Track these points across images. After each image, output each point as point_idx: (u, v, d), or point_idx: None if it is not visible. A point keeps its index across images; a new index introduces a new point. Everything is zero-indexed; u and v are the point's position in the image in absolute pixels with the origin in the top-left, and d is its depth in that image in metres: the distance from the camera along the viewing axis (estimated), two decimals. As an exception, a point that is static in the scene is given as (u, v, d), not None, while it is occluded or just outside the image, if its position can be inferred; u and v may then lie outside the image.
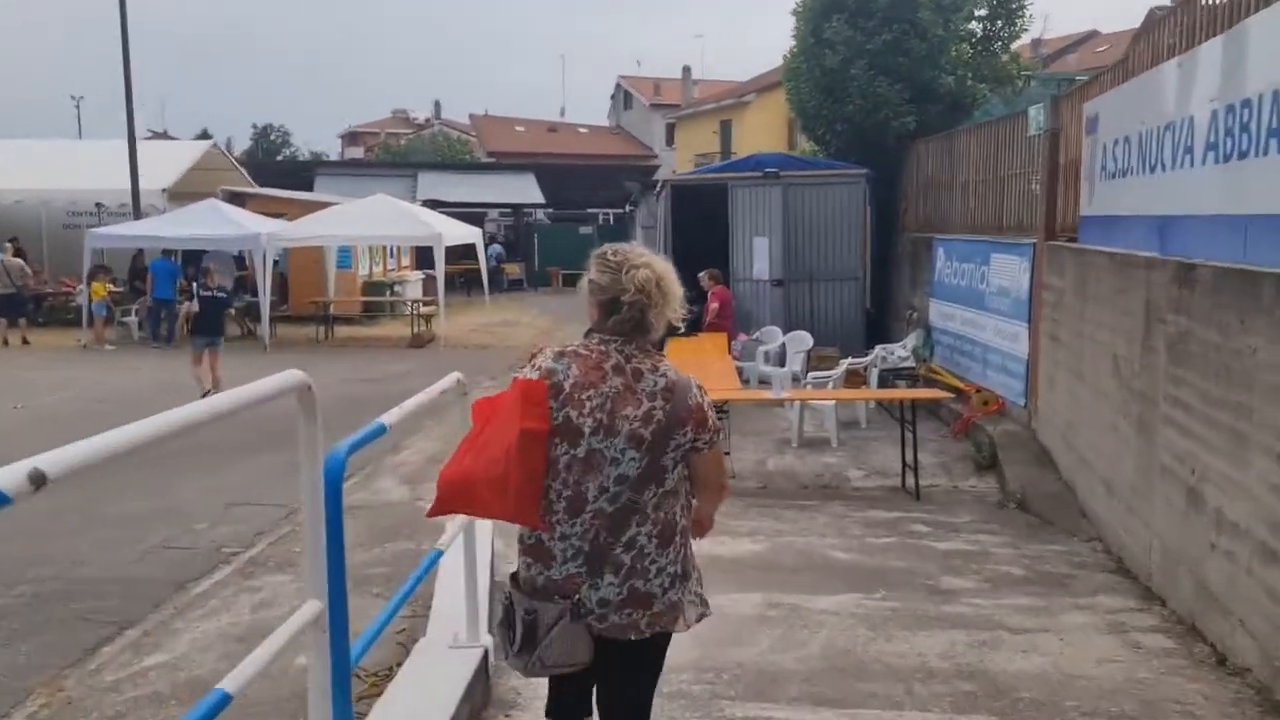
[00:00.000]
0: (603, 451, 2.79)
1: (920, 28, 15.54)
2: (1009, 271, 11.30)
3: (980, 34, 16.49)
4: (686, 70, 57.00)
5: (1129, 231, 7.15)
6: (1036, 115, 10.77)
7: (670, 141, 53.52)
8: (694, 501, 3.04)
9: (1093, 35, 43.32)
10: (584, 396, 2.80)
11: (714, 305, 13.97)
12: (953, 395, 10.40)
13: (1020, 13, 16.17)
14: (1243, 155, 5.12)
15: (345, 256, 23.16)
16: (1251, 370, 4.74)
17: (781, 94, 31.20)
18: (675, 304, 2.94)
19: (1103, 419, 7.48)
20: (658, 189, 18.54)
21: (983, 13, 16.29)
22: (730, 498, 9.54)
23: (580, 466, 2.81)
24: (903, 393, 10.59)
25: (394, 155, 49.23)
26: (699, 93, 54.50)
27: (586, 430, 2.79)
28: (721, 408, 10.29)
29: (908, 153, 16.22)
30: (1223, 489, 5.08)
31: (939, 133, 14.99)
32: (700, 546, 3.20)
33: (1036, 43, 28.81)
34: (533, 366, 2.89)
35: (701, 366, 11.42)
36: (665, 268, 2.95)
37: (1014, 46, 16.54)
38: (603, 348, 2.88)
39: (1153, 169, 6.69)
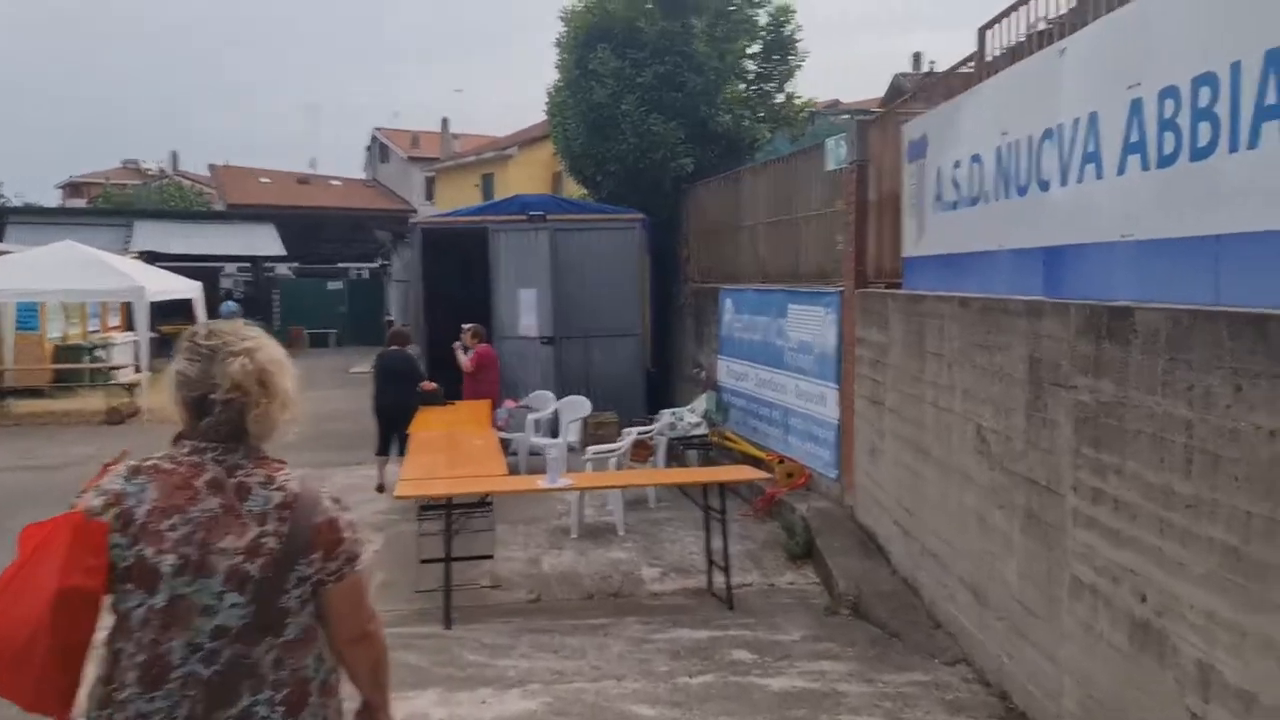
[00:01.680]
0: (191, 597, 2.20)
1: (695, 60, 14.20)
2: (811, 324, 9.86)
3: (755, 72, 15.39)
4: (445, 122, 54.93)
5: (989, 270, 5.67)
6: (835, 147, 9.44)
7: (430, 195, 51.19)
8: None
9: (834, 105, 44.73)
10: (164, 526, 2.22)
11: (471, 367, 11.86)
12: (768, 477, 8.76)
13: (793, 50, 15.21)
14: (1204, 153, 3.61)
15: (28, 315, 19.27)
16: (1266, 462, 3.16)
17: (546, 148, 29.72)
18: (284, 402, 2.36)
19: (962, 506, 5.92)
20: (408, 236, 16.29)
21: (756, 49, 15.21)
22: (497, 619, 7.57)
23: (160, 620, 2.21)
24: (707, 474, 8.82)
25: (116, 205, 43.92)
26: (460, 146, 52.59)
27: (167, 571, 2.20)
28: (485, 500, 8.14)
29: (687, 196, 14.80)
30: (1210, 634, 3.47)
31: (719, 174, 13.63)
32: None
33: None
34: (95, 491, 2.25)
35: (457, 444, 9.24)
36: (271, 355, 2.37)
37: (789, 87, 15.57)
38: (195, 459, 2.30)
39: (1023, 190, 5.23)
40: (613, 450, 10.34)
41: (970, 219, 5.99)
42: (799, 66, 15.37)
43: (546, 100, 16.01)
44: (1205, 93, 3.61)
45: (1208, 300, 3.58)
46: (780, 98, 15.60)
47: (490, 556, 8.16)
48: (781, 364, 10.64)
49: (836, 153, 9.43)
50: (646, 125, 14.19)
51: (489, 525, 8.45)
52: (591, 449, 10.22)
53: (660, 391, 14.98)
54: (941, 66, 16.43)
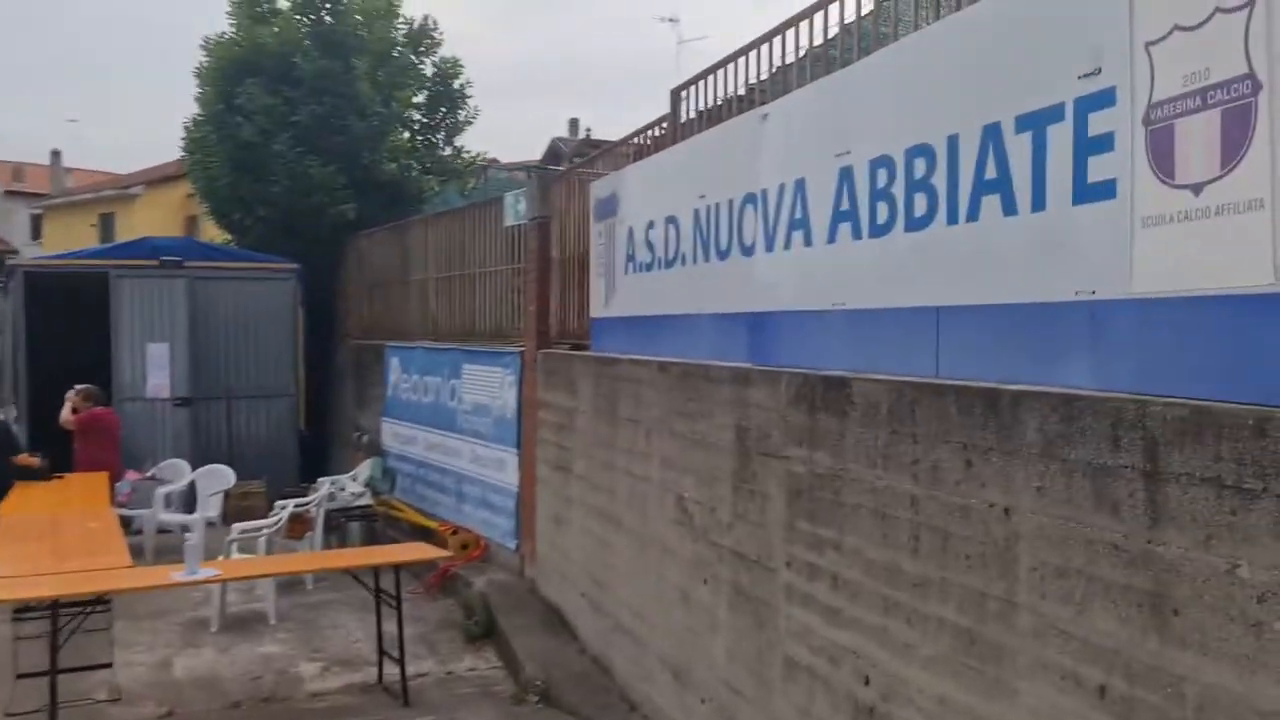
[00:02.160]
0: None
1: (358, 103, 13.39)
2: (488, 386, 9.38)
3: (422, 122, 14.83)
4: (57, 155, 49.00)
5: (689, 334, 5.50)
6: (515, 202, 9.11)
7: (37, 235, 45.24)
8: None
9: (494, 163, 45.23)
10: None
11: (73, 424, 10.19)
12: (444, 554, 8.07)
13: (463, 103, 14.84)
14: (921, 223, 3.58)
15: None
16: (1002, 541, 3.08)
17: (179, 188, 27.09)
18: None
19: (662, 580, 5.66)
20: (5, 280, 13.94)
21: (421, 99, 14.67)
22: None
23: None
24: (378, 554, 7.96)
25: None
26: (73, 181, 47.06)
27: None
28: (102, 599, 6.79)
29: (349, 246, 13.85)
30: None
31: (385, 224, 12.87)
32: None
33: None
34: None
35: (63, 528, 7.72)
36: None
37: (459, 140, 15.16)
38: None
39: (725, 254, 5.11)
40: (263, 528, 9.18)
41: (667, 281, 5.82)
42: (470, 122, 15.01)
43: (184, 135, 14.45)
44: (921, 164, 3.58)
45: (928, 373, 3.53)
46: (448, 151, 15.13)
47: (109, 665, 6.81)
48: (455, 427, 10.05)
49: (516, 208, 9.09)
50: (303, 167, 13.15)
51: (106, 624, 7.08)
52: (237, 526, 9.00)
53: (317, 458, 13.77)
54: (597, 134, 16.81)
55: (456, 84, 14.87)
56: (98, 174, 48.23)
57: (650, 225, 6.08)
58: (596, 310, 7.12)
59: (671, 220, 5.77)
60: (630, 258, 6.43)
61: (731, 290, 5.02)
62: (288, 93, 13.30)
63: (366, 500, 10.38)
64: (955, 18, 3.55)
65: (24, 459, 9.48)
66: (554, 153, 18.89)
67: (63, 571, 6.38)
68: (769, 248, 4.64)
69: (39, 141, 75.12)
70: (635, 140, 6.96)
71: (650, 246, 6.08)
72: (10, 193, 47.63)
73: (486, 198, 10.36)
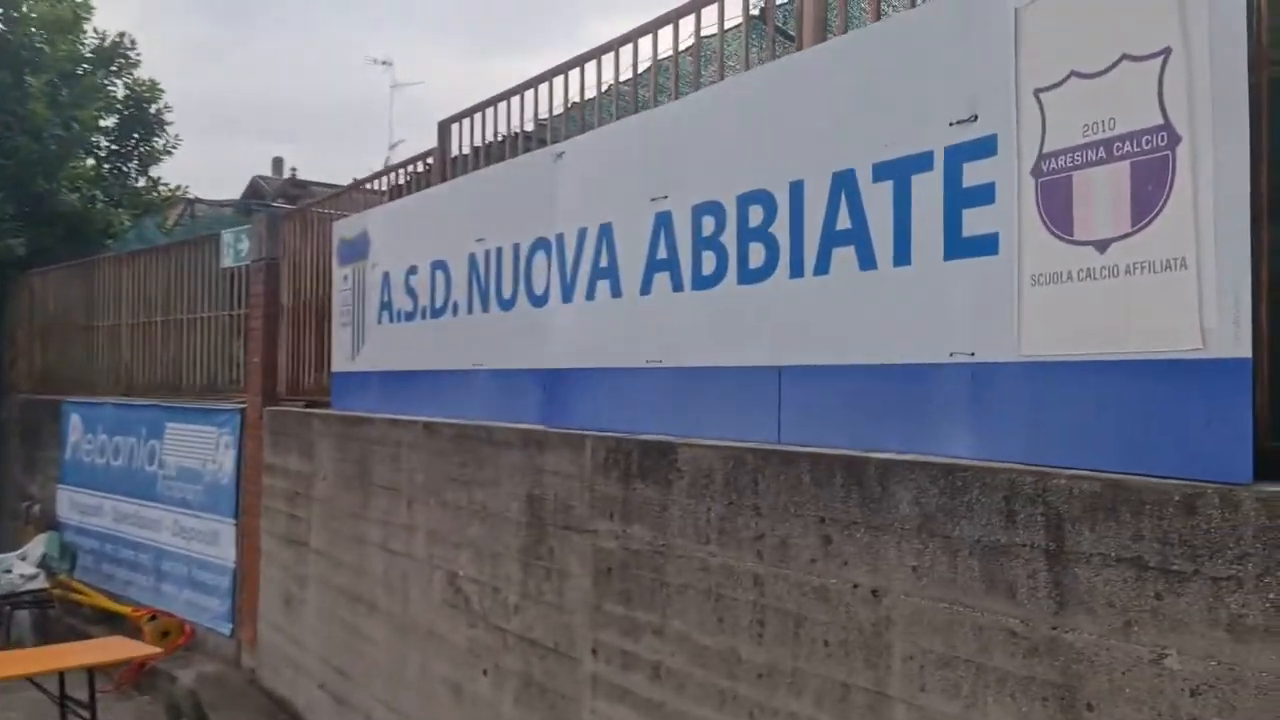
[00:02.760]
0: None
1: (31, 124, 11.63)
2: (199, 448, 8.25)
3: (110, 149, 13.14)
4: None
5: (463, 392, 4.94)
6: (235, 241, 8.13)
7: None
8: None
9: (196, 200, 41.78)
10: None
11: None
12: (154, 652, 6.84)
13: (160, 130, 13.33)
14: (758, 275, 3.30)
15: None
16: (869, 626, 2.79)
17: None
18: None
19: (426, 670, 5.00)
20: None
21: (111, 122, 13.03)
22: None
23: None
24: (67, 655, 6.56)
25: None
26: None
27: None
28: None
29: (18, 285, 11.93)
30: (797, 825, 3.00)
31: (65, 261, 11.21)
32: None
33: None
34: None
35: None
36: None
37: (156, 172, 13.56)
38: None
39: (509, 304, 4.63)
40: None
41: (435, 332, 5.24)
42: (169, 151, 13.51)
43: None
44: (757, 211, 3.31)
45: (767, 438, 3.23)
46: (142, 182, 13.53)
47: None
48: (155, 495, 8.75)
49: (236, 248, 8.11)
50: (-39, 193, 11.23)
51: None
52: None
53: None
54: (304, 174, 15.80)
55: (153, 109, 13.36)
56: None
57: (412, 270, 5.48)
58: (340, 364, 6.37)
59: (440, 265, 5.21)
60: (386, 306, 5.78)
61: (519, 344, 4.54)
62: (-56, 107, 11.36)
63: (40, 583, 8.78)
64: (799, 58, 3.33)
65: None
66: (255, 190, 17.54)
67: None
68: (567, 298, 4.22)
69: None
70: (391, 177, 6.33)
71: (412, 294, 5.48)
72: None
73: (196, 235, 9.20)
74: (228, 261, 8.28)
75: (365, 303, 6.01)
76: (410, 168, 5.98)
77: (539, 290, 4.43)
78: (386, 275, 5.77)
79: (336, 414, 6.23)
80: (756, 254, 3.32)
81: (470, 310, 4.95)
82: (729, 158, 3.45)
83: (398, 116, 42.30)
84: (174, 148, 13.59)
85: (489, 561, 4.56)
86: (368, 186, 6.52)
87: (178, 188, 13.81)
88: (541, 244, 4.41)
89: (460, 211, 5.12)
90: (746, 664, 3.20)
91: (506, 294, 4.67)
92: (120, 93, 13.17)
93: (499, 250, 4.72)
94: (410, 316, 5.50)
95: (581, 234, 4.15)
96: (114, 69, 13.08)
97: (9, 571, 8.73)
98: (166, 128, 13.51)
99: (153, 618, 8.21)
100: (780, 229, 3.22)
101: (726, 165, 3.45)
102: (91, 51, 12.98)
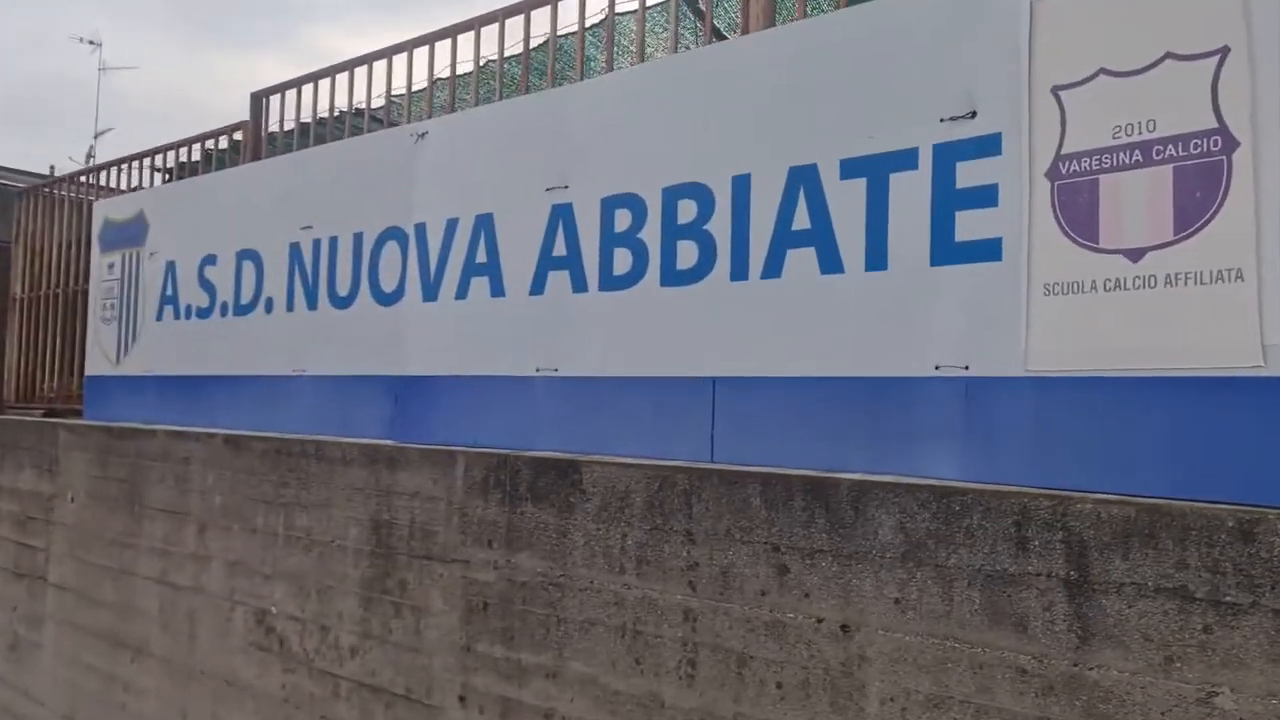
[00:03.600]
0: None
1: None
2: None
3: None
4: None
5: (281, 400, 4.27)
6: (-52, 216, 6.81)
7: None
8: None
9: None
10: None
11: None
12: None
13: None
14: (690, 276, 2.98)
15: None
16: (838, 665, 2.52)
17: None
18: None
19: (221, 728, 4.24)
20: None
21: None
22: None
23: None
24: None
25: None
26: None
27: None
28: None
29: None
30: None
31: None
32: None
33: None
34: None
35: None
36: None
37: None
38: None
39: (345, 301, 4.04)
40: None
41: (240, 332, 4.51)
42: None
43: None
44: (689, 206, 2.99)
45: (695, 457, 2.91)
46: None
47: None
48: None
49: (-52, 224, 6.79)
50: None
51: None
52: None
53: None
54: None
55: None
56: None
57: (209, 260, 4.71)
58: (98, 366, 5.41)
59: (250, 255, 4.49)
60: (169, 300, 4.94)
61: (359, 348, 3.95)
62: None
63: None
64: (753, 40, 3.05)
65: None
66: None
67: None
68: (430, 296, 3.70)
69: None
70: (179, 153, 5.46)
71: (209, 287, 4.70)
72: None
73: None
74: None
75: (140, 296, 5.13)
76: (209, 144, 5.17)
77: (389, 287, 3.88)
78: (171, 265, 4.95)
79: (96, 425, 5.27)
80: (687, 253, 2.99)
81: (291, 308, 4.28)
82: (654, 146, 3.11)
83: (111, 100, 38.06)
84: None
85: (314, 597, 3.92)
86: (153, 162, 5.59)
87: None
88: (394, 234, 3.87)
89: (280, 194, 4.44)
90: (671, 709, 2.83)
91: (342, 290, 4.07)
92: None
93: (333, 240, 4.11)
94: (205, 313, 4.72)
95: (451, 225, 3.65)
96: None
97: None
98: None
99: None
100: (719, 226, 2.92)
101: (651, 155, 3.11)
102: None
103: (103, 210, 5.45)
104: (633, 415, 3.08)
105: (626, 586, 2.97)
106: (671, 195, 3.04)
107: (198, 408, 4.70)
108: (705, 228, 2.96)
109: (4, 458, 5.94)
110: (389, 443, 3.75)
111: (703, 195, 2.97)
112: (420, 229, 3.77)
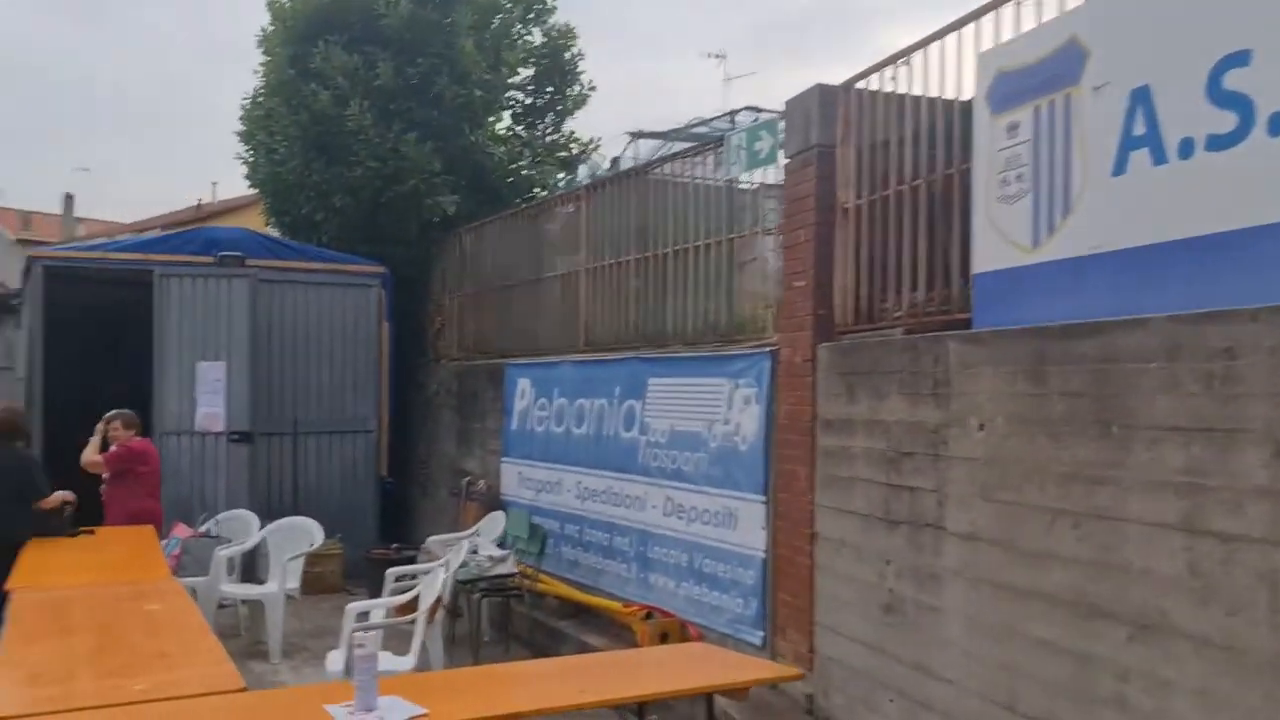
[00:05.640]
0: None
1: (459, 68, 10.66)
2: (701, 406, 6.54)
3: (524, 104, 12.12)
4: (70, 199, 46.41)
5: None
6: (749, 141, 6.35)
7: (45, 278, 42.56)
8: None
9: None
10: None
11: (107, 468, 7.40)
12: (795, 674, 5.09)
13: (575, 79, 12.17)
14: None
15: None
16: None
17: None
18: None
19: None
20: (19, 291, 11.22)
21: (528, 73, 11.98)
22: None
23: None
24: (648, 668, 4.88)
25: None
26: (85, 230, 44.49)
27: None
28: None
29: (444, 246, 11.07)
30: None
31: (497, 214, 10.12)
32: None
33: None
34: None
35: (105, 611, 4.82)
36: None
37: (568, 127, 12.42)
38: None
39: None
40: (382, 612, 6.28)
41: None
42: (581, 102, 12.30)
43: (242, 114, 11.76)
44: None
45: None
46: (554, 136, 12.40)
47: None
48: (635, 468, 7.18)
49: (751, 150, 6.33)
50: (391, 143, 10.40)
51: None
52: (354, 608, 6.04)
53: (396, 512, 10.89)
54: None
55: (567, 55, 12.20)
56: (110, 224, 45.72)
57: (1232, 61, 3.28)
58: (997, 258, 4.31)
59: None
60: (1138, 142, 3.62)
61: None
62: (373, 52, 10.61)
63: (508, 567, 7.45)
64: None
65: (50, 502, 6.73)
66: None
67: (122, 703, 3.45)
68: None
69: (49, 192, 72.52)
70: None
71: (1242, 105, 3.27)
72: (20, 240, 45.24)
73: (681, 149, 7.56)
74: (736, 171, 6.54)
75: (1072, 151, 3.90)
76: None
77: None
78: (1141, 93, 3.61)
79: (1009, 330, 4.16)
80: None
81: None
82: None
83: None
84: (586, 98, 12.37)
85: None
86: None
87: (589, 141, 12.49)
88: None
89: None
90: None
91: None
92: (536, 40, 12.09)
93: None
94: (1229, 140, 3.29)
95: None
96: (530, 15, 12.01)
97: (475, 553, 7.47)
98: (579, 76, 12.32)
99: (648, 615, 6.59)
100: None
101: None
102: (508, -6, 11.93)
103: (992, 61, 4.36)
104: None
105: None
106: None
107: (1218, 282, 3.30)
108: None
109: (855, 387, 5.17)
110: None
111: None
112: None
